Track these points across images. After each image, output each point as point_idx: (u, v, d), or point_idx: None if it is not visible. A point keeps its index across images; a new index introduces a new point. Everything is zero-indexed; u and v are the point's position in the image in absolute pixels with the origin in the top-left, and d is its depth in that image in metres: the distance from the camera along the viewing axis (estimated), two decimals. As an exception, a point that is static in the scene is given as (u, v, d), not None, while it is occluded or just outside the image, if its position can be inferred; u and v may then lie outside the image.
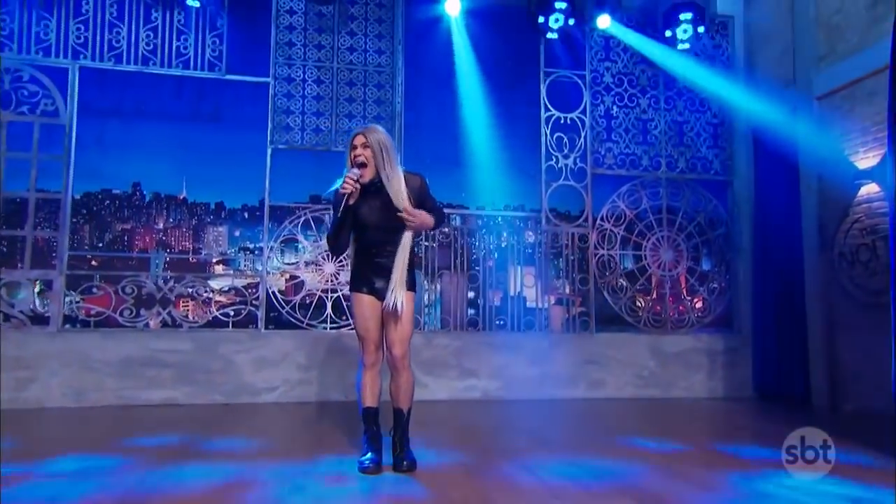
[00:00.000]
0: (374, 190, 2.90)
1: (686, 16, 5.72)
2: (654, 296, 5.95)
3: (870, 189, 4.93)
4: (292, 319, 5.28)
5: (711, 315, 5.96)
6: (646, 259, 5.94)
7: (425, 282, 5.87)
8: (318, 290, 5.37)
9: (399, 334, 2.93)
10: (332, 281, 5.41)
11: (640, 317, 5.83)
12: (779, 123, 5.65)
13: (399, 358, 2.94)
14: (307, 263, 5.48)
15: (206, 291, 5.54)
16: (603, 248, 5.84)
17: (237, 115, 6.03)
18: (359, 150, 2.91)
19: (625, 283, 5.87)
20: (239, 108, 5.89)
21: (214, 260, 6.69)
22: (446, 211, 6.14)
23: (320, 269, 5.45)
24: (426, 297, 5.85)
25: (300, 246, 5.54)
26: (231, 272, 6.51)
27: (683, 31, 5.77)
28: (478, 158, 5.78)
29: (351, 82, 5.68)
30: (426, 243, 5.80)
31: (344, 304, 5.35)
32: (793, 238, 5.47)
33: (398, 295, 2.87)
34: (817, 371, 5.21)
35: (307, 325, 5.28)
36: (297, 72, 5.59)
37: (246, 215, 7.04)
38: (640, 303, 5.94)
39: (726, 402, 5.55)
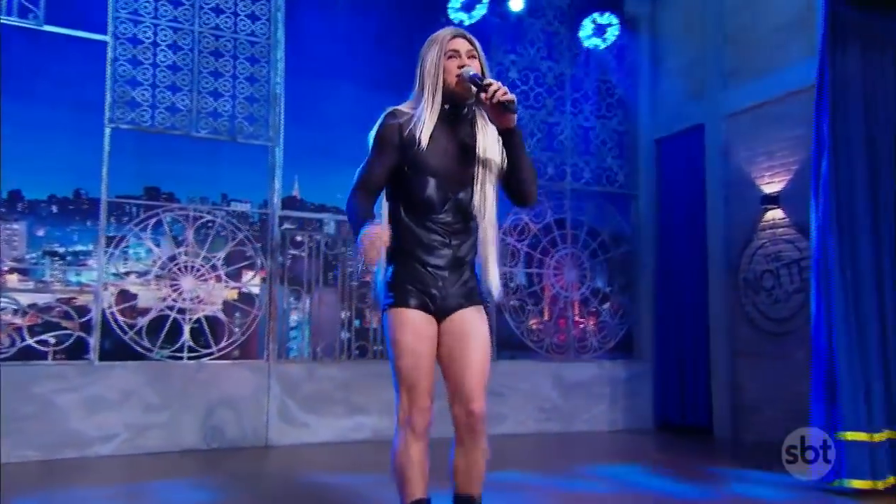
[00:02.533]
0: (457, 118, 2.28)
1: (600, 17, 6.22)
2: (558, 319, 6.35)
3: (775, 214, 5.69)
4: (138, 348, 4.91)
5: (614, 340, 6.51)
6: (550, 278, 6.33)
7: (291, 299, 5.76)
8: (173, 311, 5.05)
9: (480, 372, 2.25)
10: (191, 299, 5.12)
11: (543, 342, 6.20)
12: (685, 138, 6.34)
13: (479, 416, 2.23)
14: (158, 277, 5.11)
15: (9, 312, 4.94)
16: (505, 265, 6.12)
17: (59, 80, 5.44)
18: (464, 59, 2.24)
19: (528, 305, 6.20)
20: (63, 72, 5.32)
21: (5, 268, 5.90)
22: (319, 216, 6.10)
23: (176, 284, 5.12)
24: (291, 317, 5.75)
25: (148, 253, 5.17)
26: (32, 284, 5.84)
27: (597, 32, 6.24)
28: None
29: (217, 52, 5.38)
30: (293, 251, 5.69)
31: (205, 325, 5.09)
32: (697, 260, 6.17)
33: (494, 275, 2.30)
34: (720, 401, 5.92)
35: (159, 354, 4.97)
36: (145, 32, 5.20)
37: (55, 209, 6.34)
38: (543, 327, 6.31)
39: (627, 434, 6.11)
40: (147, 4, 5.20)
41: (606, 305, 6.58)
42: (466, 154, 2.27)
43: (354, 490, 3.84)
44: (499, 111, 2.11)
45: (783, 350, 5.44)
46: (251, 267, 5.45)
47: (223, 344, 5.15)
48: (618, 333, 6.55)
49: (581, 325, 6.53)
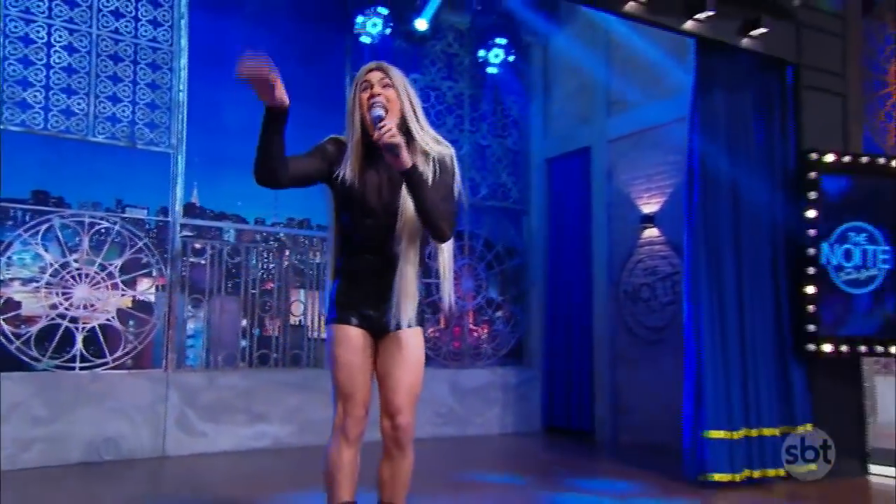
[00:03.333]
0: (380, 155, 2.26)
1: (497, 42, 6.56)
2: (454, 328, 6.63)
3: (652, 233, 6.22)
4: (25, 358, 4.75)
5: (506, 347, 6.88)
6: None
7: (189, 307, 5.72)
8: (65, 319, 4.92)
9: (408, 389, 2.37)
10: (84, 307, 5.00)
11: (440, 350, 6.46)
12: (574, 159, 6.82)
13: (406, 429, 2.36)
14: (49, 284, 4.95)
15: None
16: (404, 276, 6.32)
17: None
18: (377, 90, 2.30)
19: (426, 314, 6.42)
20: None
21: None
22: (220, 224, 6.10)
23: (67, 292, 4.98)
24: (189, 325, 5.71)
25: (35, 259, 4.99)
26: None
27: (495, 56, 6.60)
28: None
29: (117, 56, 5.29)
30: (192, 259, 5.65)
31: (99, 334, 4.99)
32: (583, 273, 6.66)
33: (406, 310, 2.34)
34: (601, 404, 6.39)
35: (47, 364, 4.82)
36: (38, 31, 5.04)
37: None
38: (440, 335, 6.57)
39: (516, 437, 6.47)
40: (40, 4, 5.05)
41: (500, 314, 6.93)
42: (393, 185, 2.31)
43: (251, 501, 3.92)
44: (386, 152, 2.16)
45: (658, 356, 5.96)
46: (148, 275, 5.37)
47: (118, 353, 5.06)
48: (510, 341, 6.93)
49: (476, 334, 6.84)
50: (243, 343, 5.69)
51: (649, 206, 6.27)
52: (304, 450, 5.39)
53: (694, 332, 4.56)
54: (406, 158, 2.15)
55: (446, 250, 2.44)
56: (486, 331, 6.92)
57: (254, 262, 5.95)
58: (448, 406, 6.34)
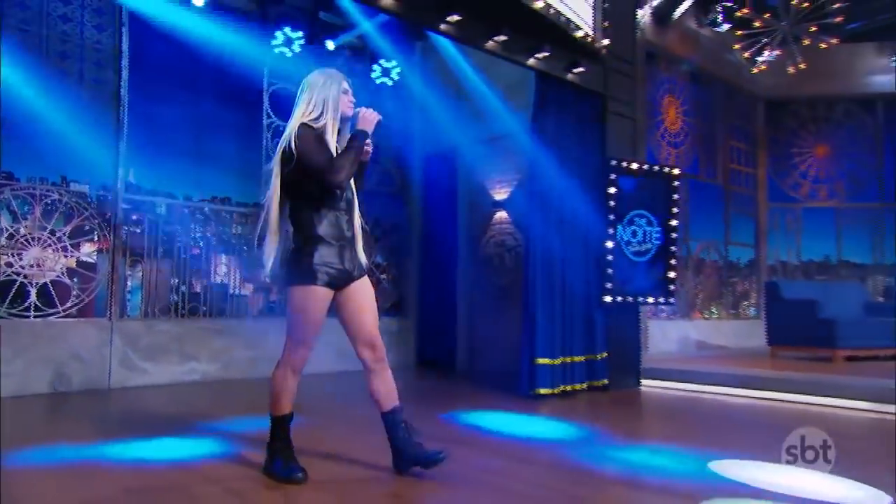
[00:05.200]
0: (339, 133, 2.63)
1: (386, 61, 7.02)
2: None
3: (501, 215, 6.95)
4: (-14, 308, 4.78)
5: (389, 302, 7.41)
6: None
7: (128, 269, 5.85)
8: (20, 276, 4.96)
9: (375, 323, 2.67)
10: (37, 266, 5.05)
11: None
12: (445, 156, 7.39)
13: (382, 347, 2.69)
14: (2, 247, 4.97)
15: None
16: (310, 245, 6.71)
17: None
18: (350, 97, 2.66)
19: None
20: None
21: None
22: (155, 199, 6.21)
23: (22, 253, 5.02)
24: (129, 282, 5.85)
25: (-7, 226, 4.99)
26: None
27: (382, 71, 7.04)
28: (196, 151, 6.03)
29: (64, 54, 5.31)
30: (130, 228, 5.78)
31: (51, 289, 5.08)
32: (451, 244, 7.26)
33: (362, 257, 2.65)
34: (461, 344, 7.10)
35: (4, 312, 4.86)
36: (-8, 31, 4.97)
37: None
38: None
39: (397, 370, 7.04)
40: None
41: (385, 276, 7.47)
42: None
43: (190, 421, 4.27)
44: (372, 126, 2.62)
45: (503, 308, 6.70)
46: (91, 240, 5.46)
47: (68, 305, 5.17)
48: (392, 297, 7.48)
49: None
50: (175, 297, 5.89)
51: (500, 195, 7.00)
52: (228, 382, 5.73)
53: (530, 289, 5.08)
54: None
55: (358, 216, 2.71)
56: (374, 288, 7.41)
57: (182, 231, 6.13)
58: (345, 347, 6.80)
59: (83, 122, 5.27)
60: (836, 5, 7.57)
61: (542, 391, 4.98)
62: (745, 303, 9.15)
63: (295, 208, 2.59)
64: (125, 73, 5.55)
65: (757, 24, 7.93)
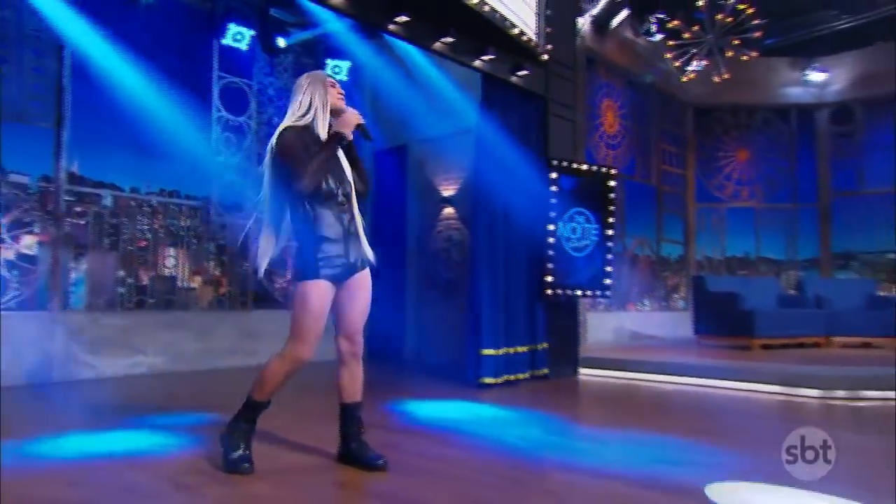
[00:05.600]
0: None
1: (337, 60, 6.93)
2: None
3: (449, 211, 6.98)
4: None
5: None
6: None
7: (73, 260, 5.60)
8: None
9: (362, 318, 2.66)
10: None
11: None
12: (395, 153, 7.36)
13: (360, 345, 2.69)
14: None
15: None
16: (257, 236, 6.56)
17: None
18: (339, 88, 2.64)
19: (271, 268, 6.72)
20: None
21: None
22: (98, 191, 5.95)
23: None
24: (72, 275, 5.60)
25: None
26: None
27: (336, 69, 6.95)
28: (143, 143, 5.79)
29: (7, 41, 5.00)
30: (75, 220, 5.53)
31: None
32: (400, 239, 7.24)
33: (367, 250, 2.62)
34: (409, 335, 7.10)
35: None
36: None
37: None
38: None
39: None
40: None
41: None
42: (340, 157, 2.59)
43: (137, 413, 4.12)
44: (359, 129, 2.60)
45: (451, 300, 6.75)
46: (31, 232, 5.18)
47: (6, 298, 4.90)
48: (342, 290, 7.38)
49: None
50: (121, 290, 5.66)
51: (447, 191, 7.02)
52: (177, 374, 5.55)
53: (475, 283, 5.11)
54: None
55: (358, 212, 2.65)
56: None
57: (129, 223, 5.89)
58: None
59: (23, 111, 4.99)
60: (756, 21, 7.94)
61: (487, 380, 5.01)
62: (675, 295, 9.49)
63: (294, 207, 2.52)
64: (68, 61, 5.27)
65: (686, 35, 8.22)
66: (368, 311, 2.65)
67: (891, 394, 4.61)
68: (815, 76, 9.61)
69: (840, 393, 4.71)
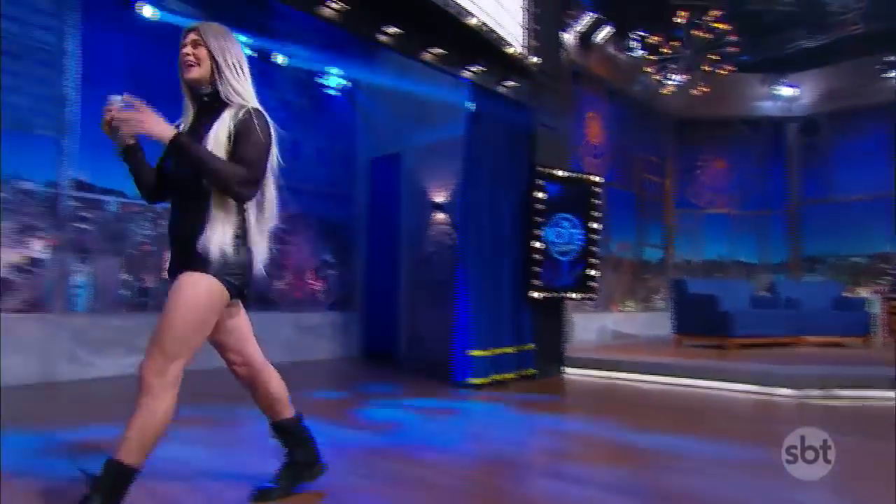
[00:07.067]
0: (209, 108, 1.86)
1: (338, 72, 6.74)
2: (297, 282, 6.77)
3: (439, 216, 6.78)
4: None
5: (335, 296, 7.12)
6: (292, 253, 6.72)
7: (77, 263, 5.38)
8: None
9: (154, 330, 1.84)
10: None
11: (287, 298, 6.59)
12: (389, 160, 7.17)
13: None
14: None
15: None
16: (259, 242, 6.34)
17: None
18: (188, 49, 1.84)
19: (271, 272, 6.51)
20: None
21: None
22: (106, 198, 5.73)
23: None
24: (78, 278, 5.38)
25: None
26: None
27: (333, 80, 6.76)
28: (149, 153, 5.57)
29: (14, 54, 4.78)
30: (81, 225, 5.31)
31: (-8, 286, 4.56)
32: (394, 243, 7.04)
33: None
34: (403, 336, 6.89)
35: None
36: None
37: None
38: (286, 287, 6.69)
39: (342, 361, 6.80)
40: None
41: (332, 272, 7.17)
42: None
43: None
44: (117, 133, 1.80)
45: (440, 302, 6.49)
46: (40, 237, 4.96)
47: (14, 300, 4.67)
48: (339, 292, 7.19)
49: (314, 286, 7.03)
50: (125, 292, 5.44)
51: (439, 197, 6.82)
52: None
53: (464, 286, 4.94)
54: (150, 130, 1.72)
55: (252, 208, 1.90)
56: (321, 284, 7.13)
57: (133, 228, 5.68)
58: (289, 339, 6.51)
59: (31, 120, 4.78)
60: (732, 38, 7.80)
61: (475, 381, 4.82)
62: (655, 297, 9.31)
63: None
64: (72, 73, 5.05)
65: (665, 50, 8.06)
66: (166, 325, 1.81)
67: (865, 392, 4.43)
68: (785, 91, 9.53)
69: (815, 392, 4.52)
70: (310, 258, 6.90)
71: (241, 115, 1.81)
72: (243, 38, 5.89)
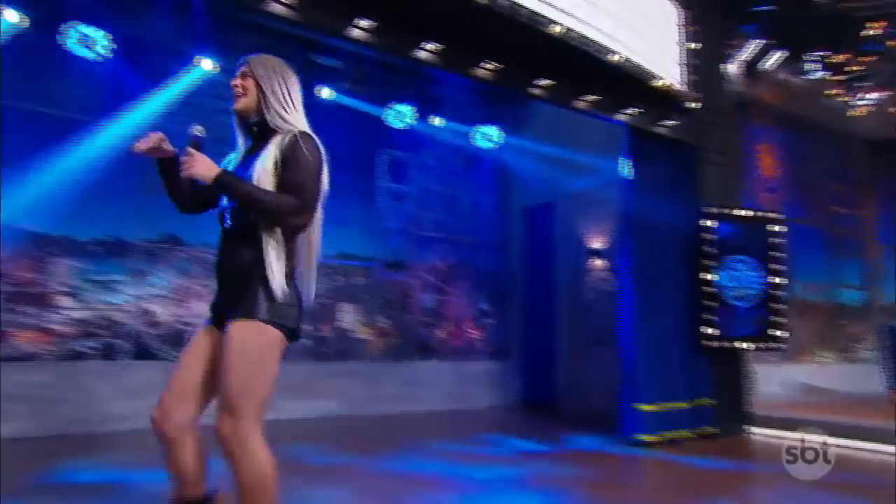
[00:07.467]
0: (258, 138, 1.81)
1: (485, 128, 6.94)
2: (457, 331, 6.91)
3: (597, 263, 6.52)
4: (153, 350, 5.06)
5: (494, 345, 7.12)
6: (451, 302, 6.91)
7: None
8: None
9: (224, 389, 1.64)
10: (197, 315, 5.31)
11: (447, 346, 6.75)
12: (543, 208, 7.11)
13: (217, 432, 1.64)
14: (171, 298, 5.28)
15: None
16: (419, 292, 6.65)
17: None
18: (237, 81, 1.83)
19: (432, 321, 6.74)
20: None
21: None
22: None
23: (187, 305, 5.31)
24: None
25: (161, 280, 5.32)
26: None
27: (487, 138, 6.96)
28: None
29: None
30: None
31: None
32: (550, 291, 6.90)
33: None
34: (563, 385, 6.63)
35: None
36: None
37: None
38: (446, 336, 6.85)
39: (500, 410, 6.71)
40: None
41: (490, 321, 7.21)
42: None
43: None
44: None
45: (602, 351, 6.17)
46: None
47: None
48: (497, 341, 7.18)
49: (472, 335, 7.11)
50: (308, 342, 5.97)
51: (595, 243, 6.59)
52: (347, 418, 5.65)
53: (627, 334, 4.68)
54: (197, 173, 1.66)
55: (301, 241, 1.78)
56: (480, 333, 7.18)
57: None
58: (451, 388, 6.59)
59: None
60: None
61: (644, 437, 4.48)
62: (857, 346, 7.93)
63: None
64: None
65: (855, 68, 7.10)
66: (238, 382, 1.67)
67: None
68: None
69: None
70: (468, 308, 7.02)
71: (287, 140, 1.73)
72: (404, 108, 6.35)
